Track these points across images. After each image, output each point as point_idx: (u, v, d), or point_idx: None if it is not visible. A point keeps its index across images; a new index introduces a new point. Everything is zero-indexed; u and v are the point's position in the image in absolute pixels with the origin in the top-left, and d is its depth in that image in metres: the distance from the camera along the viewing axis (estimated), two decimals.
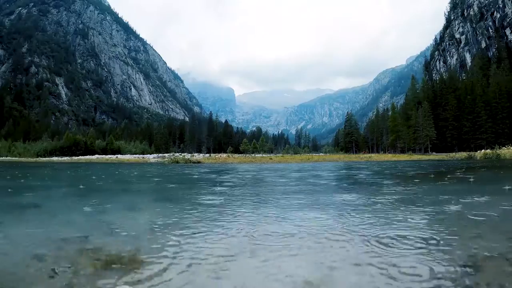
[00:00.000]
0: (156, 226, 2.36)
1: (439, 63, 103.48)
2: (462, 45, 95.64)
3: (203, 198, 3.99)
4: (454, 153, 37.51)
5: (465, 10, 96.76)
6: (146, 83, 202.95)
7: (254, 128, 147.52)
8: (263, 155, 48.85)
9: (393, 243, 1.81)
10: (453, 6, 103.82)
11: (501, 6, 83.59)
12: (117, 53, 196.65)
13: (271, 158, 28.77)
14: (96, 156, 43.60)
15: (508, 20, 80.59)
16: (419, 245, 1.77)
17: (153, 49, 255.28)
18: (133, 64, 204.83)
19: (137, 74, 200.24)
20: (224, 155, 41.46)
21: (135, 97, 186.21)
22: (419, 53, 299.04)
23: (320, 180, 7.43)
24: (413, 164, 15.93)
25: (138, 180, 8.43)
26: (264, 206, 3.37)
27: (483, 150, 26.51)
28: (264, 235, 2.05)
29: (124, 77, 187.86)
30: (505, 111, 49.94)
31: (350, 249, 1.73)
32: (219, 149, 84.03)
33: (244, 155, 44.83)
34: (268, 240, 1.93)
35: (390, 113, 68.93)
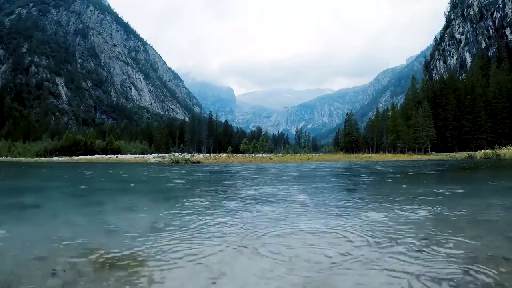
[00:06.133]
0: (156, 226, 2.36)
1: (439, 63, 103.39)
2: (462, 45, 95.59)
3: (203, 198, 3.99)
4: (454, 153, 37.50)
5: (465, 10, 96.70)
6: (146, 83, 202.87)
7: (254, 128, 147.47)
8: (263, 155, 48.82)
9: (392, 243, 1.81)
10: (453, 6, 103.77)
11: (501, 6, 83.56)
12: (117, 53, 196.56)
13: (271, 158, 28.80)
14: (96, 156, 43.59)
15: (508, 20, 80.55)
16: (419, 244, 1.76)
17: (153, 49, 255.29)
18: (133, 64, 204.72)
19: (137, 74, 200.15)
20: (224, 155, 41.46)
21: (135, 97, 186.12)
22: (419, 53, 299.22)
23: (320, 181, 7.43)
24: (413, 164, 15.93)
25: (138, 180, 8.43)
26: (263, 205, 3.36)
27: (483, 150, 26.52)
28: (265, 236, 2.05)
29: (124, 77, 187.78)
30: (505, 111, 49.92)
31: (350, 249, 1.72)
32: (219, 149, 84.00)
33: (244, 155, 44.82)
34: (269, 241, 1.93)
35: (390, 113, 68.85)
